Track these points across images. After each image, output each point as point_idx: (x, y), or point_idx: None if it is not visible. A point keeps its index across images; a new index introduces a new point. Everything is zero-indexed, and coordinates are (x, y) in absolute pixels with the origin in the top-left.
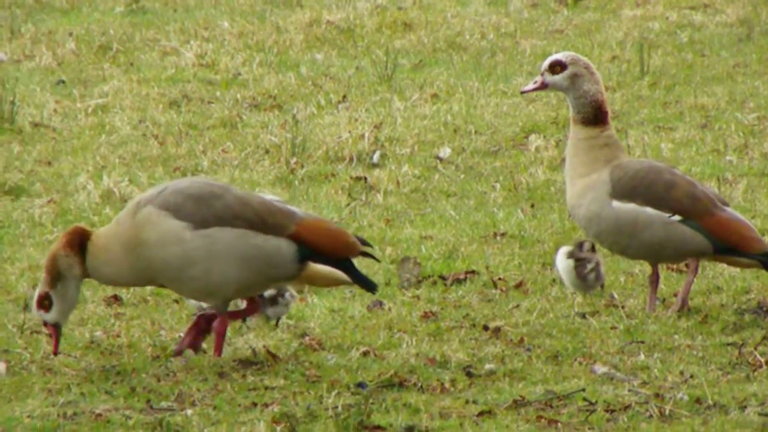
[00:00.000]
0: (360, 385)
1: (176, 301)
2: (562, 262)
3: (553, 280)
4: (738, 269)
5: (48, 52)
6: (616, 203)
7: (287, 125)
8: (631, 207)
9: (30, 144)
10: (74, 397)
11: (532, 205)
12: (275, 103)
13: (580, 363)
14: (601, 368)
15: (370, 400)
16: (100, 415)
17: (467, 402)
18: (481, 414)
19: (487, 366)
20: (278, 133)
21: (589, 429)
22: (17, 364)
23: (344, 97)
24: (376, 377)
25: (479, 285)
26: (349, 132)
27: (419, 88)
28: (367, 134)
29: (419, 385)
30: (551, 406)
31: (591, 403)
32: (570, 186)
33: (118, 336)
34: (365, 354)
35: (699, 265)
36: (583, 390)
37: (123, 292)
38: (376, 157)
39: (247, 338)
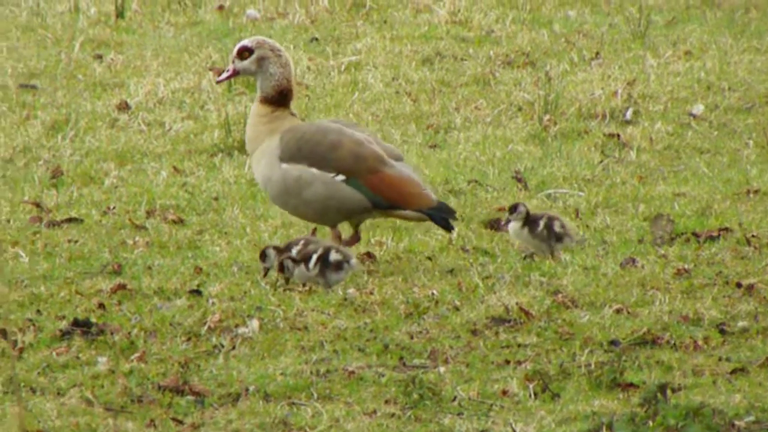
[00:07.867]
0: (613, 342)
1: (429, 258)
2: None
3: None
4: None
5: (301, 10)
6: (284, 165)
7: (540, 82)
8: (296, 168)
9: None
10: (327, 354)
11: None
12: (528, 60)
13: None
14: None
15: (623, 358)
16: (352, 372)
17: (720, 359)
18: (734, 371)
19: (741, 323)
20: (531, 90)
21: None
22: (270, 322)
23: (597, 53)
24: (629, 335)
25: (732, 242)
26: (602, 89)
27: (672, 44)
28: (620, 91)
29: (672, 342)
30: None
31: None
32: (252, 157)
33: (371, 293)
34: (618, 311)
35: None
36: None
37: (376, 249)
38: (628, 114)
39: (500, 295)
